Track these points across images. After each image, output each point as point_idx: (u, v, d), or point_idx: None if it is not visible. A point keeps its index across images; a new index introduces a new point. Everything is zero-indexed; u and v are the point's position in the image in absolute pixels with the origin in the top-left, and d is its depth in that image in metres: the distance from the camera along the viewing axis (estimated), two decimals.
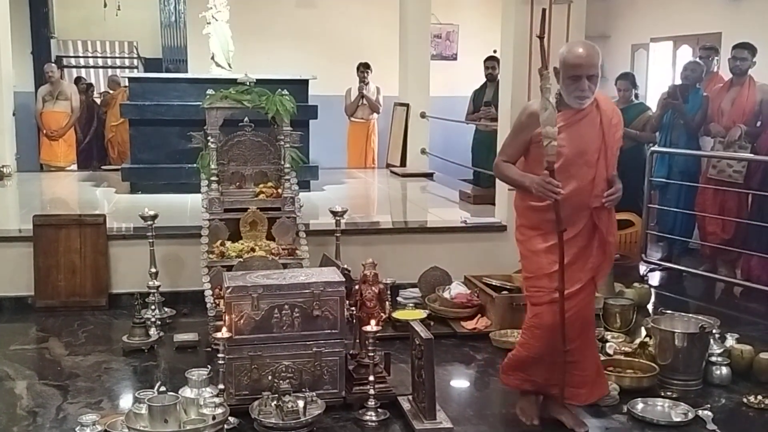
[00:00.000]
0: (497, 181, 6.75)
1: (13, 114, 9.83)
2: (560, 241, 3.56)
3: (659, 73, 11.39)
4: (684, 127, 7.37)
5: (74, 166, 10.75)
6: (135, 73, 11.75)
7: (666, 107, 7.50)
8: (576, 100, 3.58)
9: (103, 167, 10.70)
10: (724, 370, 4.62)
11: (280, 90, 5.67)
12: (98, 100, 12.48)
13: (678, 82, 7.86)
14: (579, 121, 3.60)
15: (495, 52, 8.52)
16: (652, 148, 7.50)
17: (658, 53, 11.66)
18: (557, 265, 3.61)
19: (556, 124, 3.46)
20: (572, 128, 3.58)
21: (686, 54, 10.54)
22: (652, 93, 10.57)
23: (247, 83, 5.67)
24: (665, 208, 7.57)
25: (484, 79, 9.34)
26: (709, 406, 4.23)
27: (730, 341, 4.88)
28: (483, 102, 9.08)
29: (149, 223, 5.55)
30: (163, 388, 3.69)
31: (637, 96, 8.45)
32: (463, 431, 3.95)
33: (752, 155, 6.76)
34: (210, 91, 5.64)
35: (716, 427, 3.99)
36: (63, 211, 6.86)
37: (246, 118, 5.69)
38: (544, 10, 3.67)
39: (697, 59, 7.92)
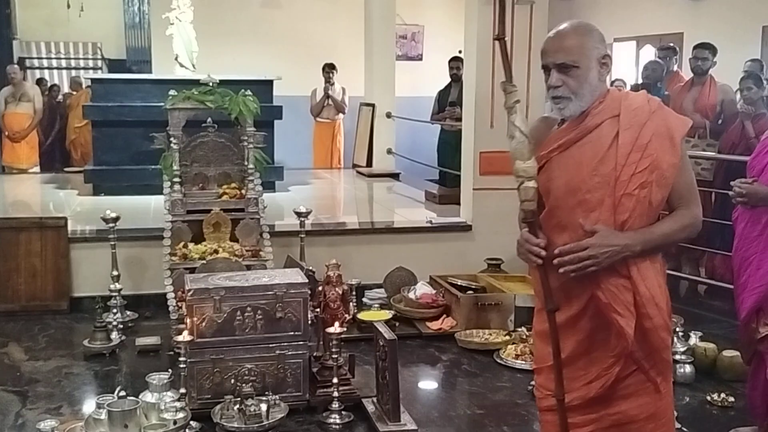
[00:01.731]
0: (462, 180, 6.78)
1: None
2: (551, 324, 2.46)
3: (623, 73, 11.49)
4: None
5: (37, 168, 10.59)
6: (97, 74, 11.60)
7: None
8: (554, 107, 2.49)
9: (65, 169, 10.56)
10: (688, 368, 4.65)
11: (243, 91, 5.63)
12: (63, 101, 12.32)
13: (640, 81, 7.92)
14: (576, 141, 2.45)
15: (460, 52, 8.53)
16: None
17: (622, 53, 11.76)
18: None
19: (532, 157, 2.45)
20: (567, 153, 2.46)
21: (649, 54, 10.64)
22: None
23: (210, 84, 5.62)
24: None
25: (449, 80, 9.34)
26: (673, 404, 4.25)
27: (694, 339, 4.92)
28: (448, 102, 9.08)
29: (111, 225, 5.48)
30: (123, 393, 3.64)
31: None
32: None
33: (716, 154, 6.83)
34: (172, 92, 5.58)
35: (681, 425, 4.01)
36: (25, 213, 6.77)
37: (209, 119, 5.64)
38: (500, 3, 2.69)
39: (657, 59, 8.00)
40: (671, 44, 8.36)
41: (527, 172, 2.45)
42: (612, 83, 8.74)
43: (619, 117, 2.42)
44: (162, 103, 5.74)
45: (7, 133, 10.35)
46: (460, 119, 7.54)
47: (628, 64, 11.54)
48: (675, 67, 8.02)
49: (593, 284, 2.41)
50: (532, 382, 4.39)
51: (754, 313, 3.52)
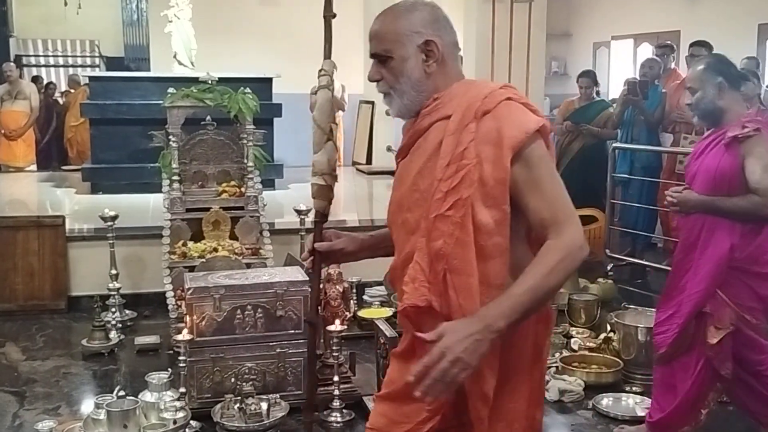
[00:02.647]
0: None
1: None
2: (309, 338, 2.36)
3: (620, 71, 11.49)
4: (644, 123, 7.47)
5: (34, 167, 10.57)
6: (95, 72, 11.58)
7: (626, 104, 7.57)
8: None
9: (63, 167, 10.54)
10: None
11: (242, 88, 5.61)
12: (59, 100, 12.30)
13: (638, 78, 7.94)
14: (410, 147, 2.09)
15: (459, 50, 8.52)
16: (614, 144, 7.56)
17: (619, 51, 11.77)
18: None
19: (321, 149, 2.30)
20: (405, 160, 2.11)
21: (646, 52, 10.64)
22: (614, 90, 10.66)
23: (210, 82, 5.60)
24: (628, 203, 7.64)
25: None
26: None
27: None
28: None
29: (109, 224, 5.46)
30: (122, 393, 3.63)
31: (598, 93, 8.51)
32: None
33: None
34: (171, 90, 5.57)
35: None
36: (21, 212, 6.75)
37: (208, 117, 5.62)
38: None
39: (655, 57, 8.03)
40: (668, 42, 8.37)
41: (314, 166, 2.27)
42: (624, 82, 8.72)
43: (451, 118, 1.97)
44: (160, 101, 5.72)
45: (3, 131, 10.33)
46: None
47: (625, 61, 11.55)
48: (672, 65, 8.06)
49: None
50: None
51: (693, 318, 3.47)
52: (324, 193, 2.24)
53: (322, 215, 2.26)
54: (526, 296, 1.84)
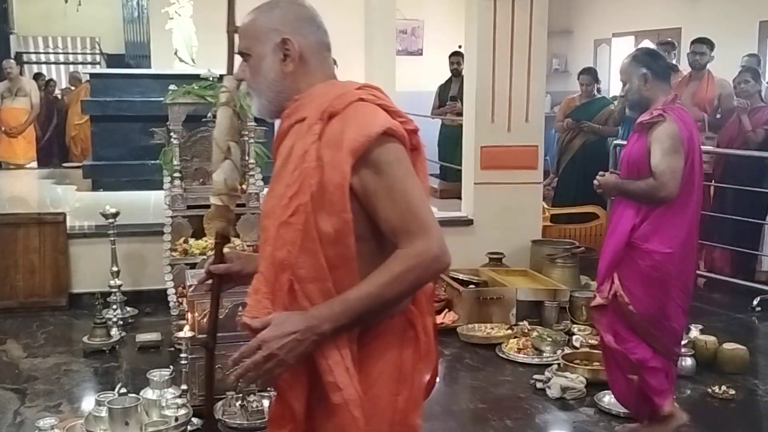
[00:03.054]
0: (464, 175, 6.76)
1: None
2: (207, 362, 2.28)
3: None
4: None
5: (34, 164, 10.56)
6: (96, 69, 11.57)
7: None
8: None
9: (64, 164, 10.54)
10: (689, 361, 4.65)
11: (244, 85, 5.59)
12: (60, 97, 12.28)
13: None
14: (276, 153, 2.02)
15: (460, 47, 8.51)
16: (615, 141, 7.55)
17: (620, 48, 11.76)
18: None
19: (219, 167, 2.21)
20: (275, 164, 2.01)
21: None
22: (615, 87, 10.66)
23: (211, 78, 5.59)
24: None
25: (450, 74, 9.32)
26: (674, 396, 4.25)
27: (695, 332, 4.91)
28: (449, 97, 9.06)
29: (111, 221, 5.45)
30: (124, 390, 3.63)
31: (599, 90, 8.52)
32: (431, 427, 3.92)
33: (713, 148, 6.85)
34: (172, 87, 5.55)
35: None
36: (22, 209, 6.74)
37: (209, 114, 5.60)
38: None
39: None
40: (670, 39, 8.38)
41: (214, 185, 2.16)
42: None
43: (305, 121, 1.89)
44: (161, 98, 5.71)
45: (3, 129, 10.32)
46: (460, 114, 7.53)
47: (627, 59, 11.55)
48: (673, 62, 8.06)
49: None
50: (535, 376, 4.42)
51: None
52: (222, 214, 2.15)
53: (222, 237, 2.16)
54: (359, 303, 1.77)
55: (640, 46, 3.85)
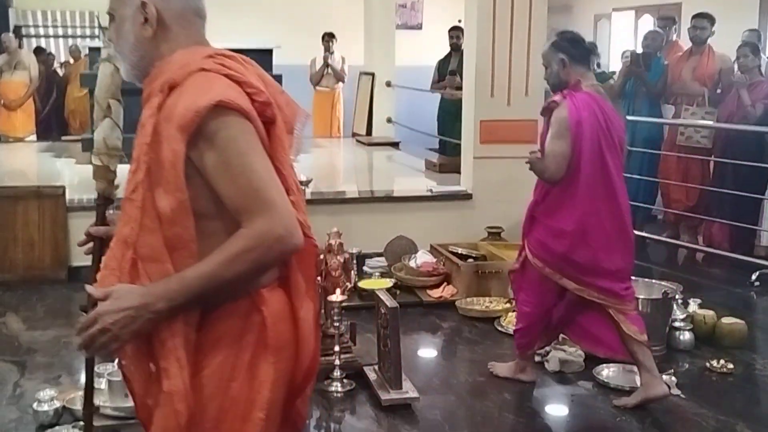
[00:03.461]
0: (463, 149, 6.75)
1: None
2: None
3: (621, 43, 11.43)
4: (646, 95, 7.46)
5: (33, 137, 10.53)
6: (95, 43, 11.49)
7: (629, 75, 7.56)
8: None
9: (63, 138, 10.50)
10: (687, 335, 4.66)
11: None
12: (59, 71, 12.22)
13: (639, 50, 7.91)
14: None
15: (459, 21, 8.46)
16: None
17: (620, 23, 11.70)
18: None
19: (108, 135, 2.26)
20: None
21: (648, 24, 10.59)
22: (615, 63, 10.62)
23: None
24: (628, 175, 7.61)
25: (449, 49, 9.28)
26: (672, 370, 4.27)
27: (693, 307, 4.93)
28: (448, 71, 9.02)
29: None
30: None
31: (599, 65, 8.47)
32: (430, 400, 3.94)
33: (714, 123, 6.85)
34: None
35: (680, 392, 4.03)
36: (21, 182, 6.71)
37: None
38: None
39: (657, 29, 8.01)
40: (670, 14, 8.35)
41: (95, 144, 2.15)
42: (622, 54, 8.69)
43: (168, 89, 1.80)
44: None
45: (2, 102, 10.28)
46: (460, 88, 7.50)
47: (626, 34, 11.48)
48: (674, 37, 8.06)
49: None
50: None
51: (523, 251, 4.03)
52: (102, 174, 2.08)
53: (103, 198, 2.11)
54: (196, 282, 1.72)
55: (561, 31, 4.04)
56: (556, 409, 3.96)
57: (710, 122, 6.88)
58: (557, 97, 3.83)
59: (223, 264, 1.71)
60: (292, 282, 1.88)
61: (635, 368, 4.22)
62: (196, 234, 1.76)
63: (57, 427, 3.54)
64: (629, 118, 7.50)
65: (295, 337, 1.87)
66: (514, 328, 4.19)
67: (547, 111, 3.87)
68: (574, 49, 3.89)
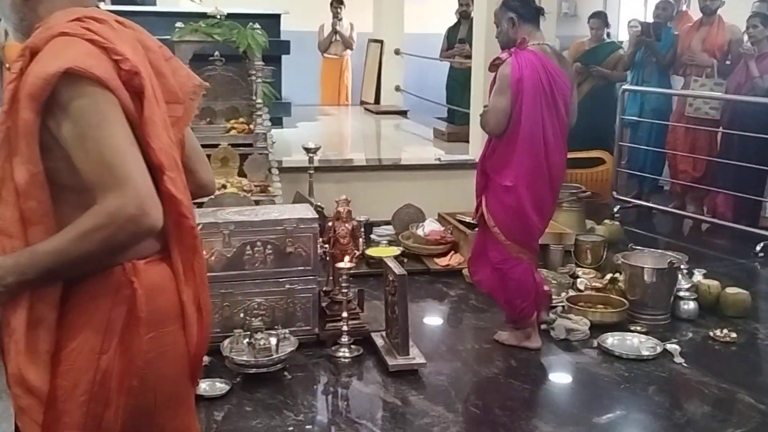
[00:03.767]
0: (471, 118, 6.74)
1: None
2: None
3: (631, 13, 11.34)
4: (656, 65, 7.43)
5: None
6: (102, 6, 11.43)
7: (639, 44, 7.52)
8: None
9: None
10: (692, 304, 4.69)
11: (251, 24, 5.55)
12: None
13: (651, 20, 7.87)
14: None
15: None
16: (624, 86, 7.51)
17: None
18: None
19: None
20: None
21: None
22: (624, 32, 10.55)
23: (218, 16, 5.54)
24: (636, 146, 7.62)
25: (458, 17, 9.22)
26: (676, 339, 4.31)
27: (698, 277, 4.95)
28: (457, 39, 8.97)
29: None
30: None
31: (609, 35, 8.43)
32: (436, 367, 3.99)
33: (722, 94, 6.83)
34: (179, 24, 5.51)
35: (683, 360, 4.07)
36: None
37: (216, 53, 5.58)
38: None
39: None
40: None
41: None
42: (629, 24, 8.66)
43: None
44: (168, 36, 5.66)
45: (8, 66, 10.25)
46: (469, 57, 7.47)
47: (637, 3, 11.40)
48: (684, 7, 8.01)
49: None
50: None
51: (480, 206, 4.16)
52: None
53: None
54: (47, 258, 1.64)
55: None
56: (561, 376, 4.00)
57: (719, 93, 6.86)
58: (503, 55, 3.97)
59: (73, 241, 1.63)
60: (173, 261, 1.81)
61: (639, 336, 4.28)
62: (62, 206, 1.68)
63: None
64: (638, 88, 7.49)
65: (180, 312, 1.80)
66: (516, 282, 4.13)
67: (494, 67, 4.01)
68: (523, 9, 4.00)
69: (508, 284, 4.11)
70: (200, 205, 4.89)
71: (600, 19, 7.99)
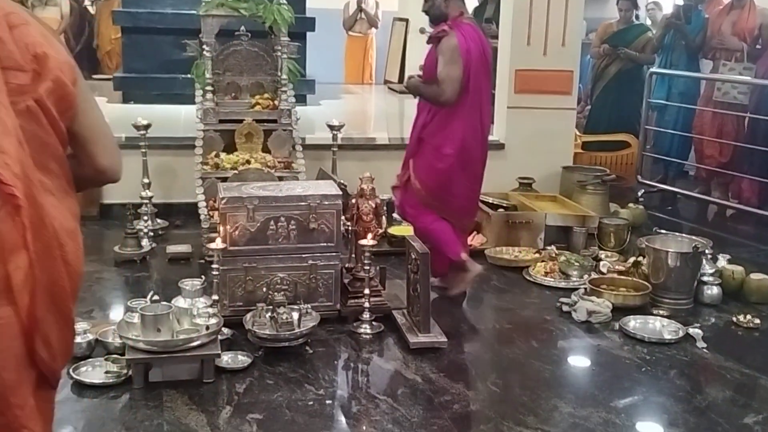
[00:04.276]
0: (497, 98, 6.70)
1: None
2: None
3: None
4: (685, 48, 7.35)
5: None
6: None
7: (668, 27, 7.44)
8: None
9: (94, 76, 10.51)
10: (715, 289, 4.65)
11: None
12: (90, 9, 12.18)
13: (681, 2, 7.77)
14: None
15: None
16: (652, 69, 7.43)
17: None
18: None
19: None
20: None
21: None
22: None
23: None
24: (662, 129, 7.55)
25: None
26: (699, 324, 4.28)
27: (722, 262, 4.91)
28: (484, 19, 8.89)
29: (142, 132, 5.47)
30: (156, 297, 3.69)
31: (638, 17, 8.34)
32: (457, 345, 3.98)
33: (752, 79, 6.75)
34: None
35: (706, 345, 4.04)
36: None
37: (242, 28, 5.56)
38: None
39: None
40: None
41: None
42: (646, 6, 8.56)
43: None
44: (193, 11, 5.66)
45: None
46: (495, 36, 7.41)
47: None
48: None
49: None
50: (562, 299, 4.46)
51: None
52: None
53: None
54: None
55: None
56: (582, 358, 3.98)
57: (748, 78, 6.77)
58: (445, 27, 4.21)
59: None
60: None
61: (661, 320, 4.26)
62: None
63: (90, 359, 3.62)
64: (666, 71, 7.40)
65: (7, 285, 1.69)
66: (443, 241, 4.41)
67: (435, 40, 4.25)
68: None
69: (432, 237, 4.34)
70: (224, 180, 4.92)
71: (629, 0, 7.89)
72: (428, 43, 4.39)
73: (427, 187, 4.34)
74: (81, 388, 3.43)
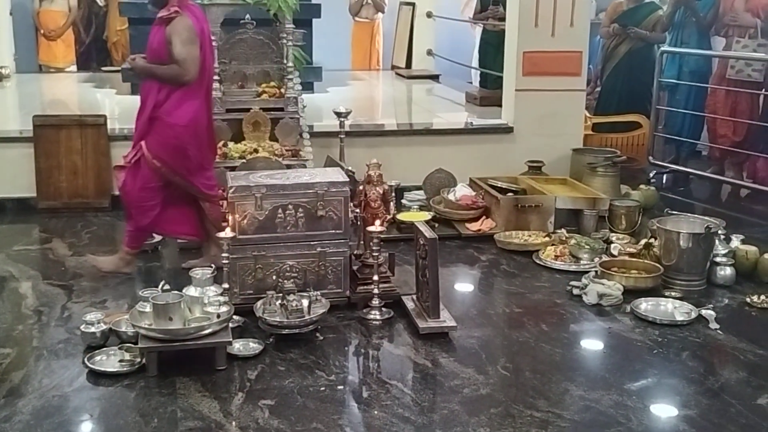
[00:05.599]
0: (505, 81, 6.66)
1: (10, 14, 9.63)
2: None
3: None
4: (695, 26, 7.26)
5: (74, 67, 10.55)
6: None
7: (678, 4, 7.35)
8: None
9: (103, 68, 10.53)
10: (728, 270, 4.62)
11: None
12: (99, 1, 12.17)
13: None
14: None
15: None
16: (663, 48, 7.36)
17: None
18: None
19: None
20: None
21: None
22: None
23: None
24: (674, 109, 7.49)
25: None
26: (712, 305, 4.25)
27: (735, 242, 4.88)
28: (491, 1, 8.84)
29: None
30: (167, 287, 3.70)
31: None
32: (467, 330, 3.97)
33: (764, 55, 6.66)
34: None
35: (719, 327, 4.02)
36: (63, 112, 6.77)
37: (247, 16, 5.55)
38: None
39: None
40: None
41: None
42: None
43: None
44: (198, 0, 5.63)
45: (42, 32, 10.30)
46: (503, 19, 7.37)
47: None
48: None
49: None
50: (572, 283, 4.44)
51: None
52: None
53: None
54: None
55: None
56: (593, 341, 3.97)
57: (762, 55, 6.69)
58: (175, 9, 4.30)
59: None
60: None
61: (673, 302, 4.23)
62: None
63: (104, 348, 3.64)
64: (677, 50, 7.33)
65: None
66: (130, 228, 4.61)
67: (167, 21, 4.32)
68: None
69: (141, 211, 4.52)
70: (232, 169, 4.92)
71: None
72: (157, 25, 4.41)
73: (164, 162, 4.43)
74: (96, 376, 3.46)
